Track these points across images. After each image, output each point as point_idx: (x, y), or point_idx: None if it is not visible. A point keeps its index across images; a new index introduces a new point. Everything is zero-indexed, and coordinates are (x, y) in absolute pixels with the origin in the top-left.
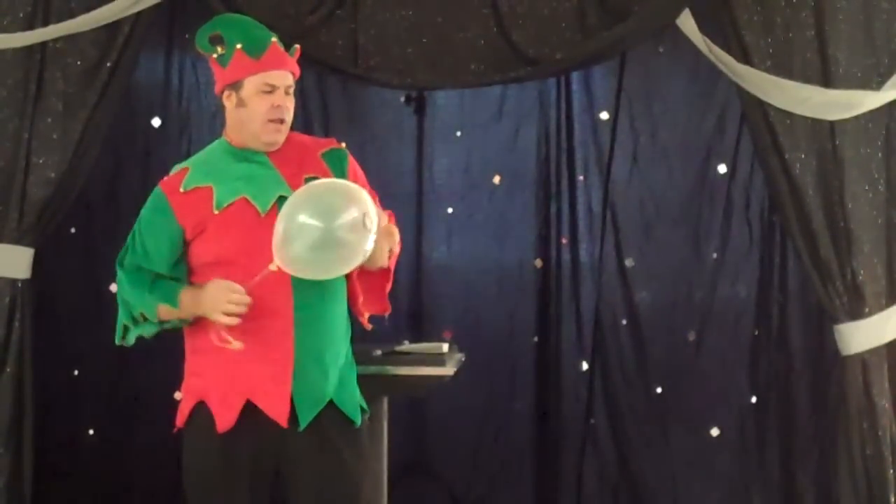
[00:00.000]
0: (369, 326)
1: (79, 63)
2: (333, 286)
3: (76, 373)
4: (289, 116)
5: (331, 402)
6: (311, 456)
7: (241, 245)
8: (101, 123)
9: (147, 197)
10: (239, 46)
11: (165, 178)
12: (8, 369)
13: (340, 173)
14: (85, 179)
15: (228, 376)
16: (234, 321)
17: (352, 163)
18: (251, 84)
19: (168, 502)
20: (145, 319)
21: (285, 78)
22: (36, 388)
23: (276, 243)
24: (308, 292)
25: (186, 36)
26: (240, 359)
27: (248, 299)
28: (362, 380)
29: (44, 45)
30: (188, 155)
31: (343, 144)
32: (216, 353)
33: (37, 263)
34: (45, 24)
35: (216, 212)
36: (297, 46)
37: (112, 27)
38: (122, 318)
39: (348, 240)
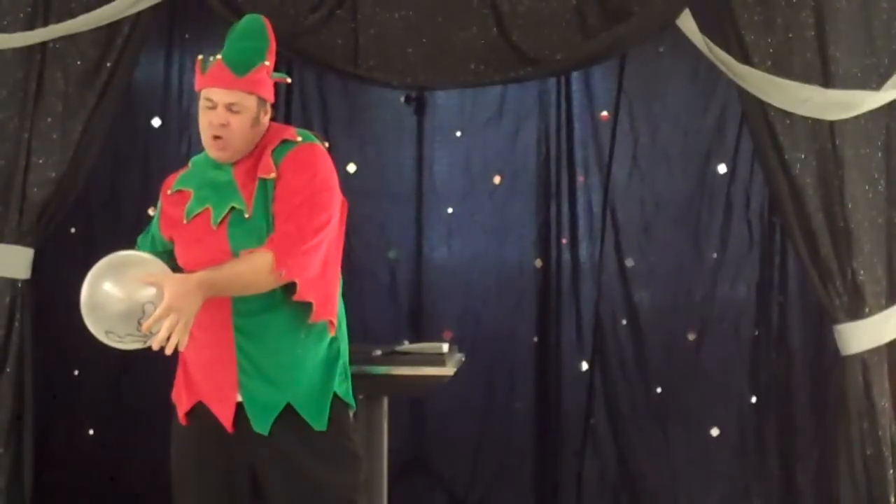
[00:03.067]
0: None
1: (79, 63)
2: (280, 294)
3: (76, 373)
4: (227, 134)
5: (288, 407)
6: (274, 461)
7: (194, 257)
8: (101, 123)
9: (147, 197)
10: (199, 58)
11: (169, 176)
12: (8, 369)
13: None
14: (85, 179)
15: (186, 376)
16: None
17: (289, 159)
18: (201, 98)
19: (167, 502)
20: None
21: (225, 96)
22: (36, 388)
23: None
24: (248, 301)
25: (186, 36)
26: (193, 361)
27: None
28: (362, 380)
29: (44, 45)
30: (188, 155)
31: (296, 137)
32: (185, 352)
33: (37, 263)
34: (45, 24)
35: (185, 221)
36: (263, 64)
37: (112, 27)
38: None
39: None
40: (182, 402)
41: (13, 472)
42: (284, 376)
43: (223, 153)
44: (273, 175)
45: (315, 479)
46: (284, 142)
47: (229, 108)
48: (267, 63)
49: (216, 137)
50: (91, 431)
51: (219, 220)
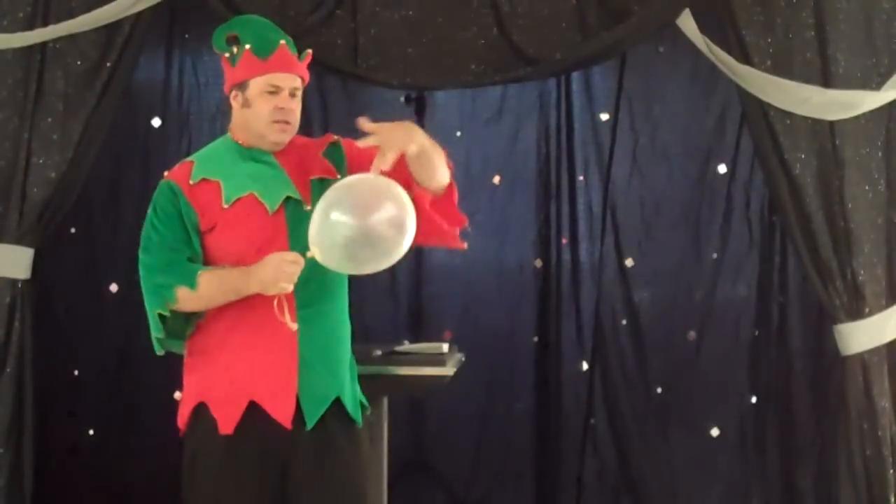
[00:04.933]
0: (465, 245)
1: (79, 63)
2: (336, 283)
3: (76, 373)
4: (293, 118)
5: (336, 402)
6: (315, 456)
7: (251, 242)
8: (101, 123)
9: (147, 197)
10: (248, 47)
11: (171, 171)
12: (8, 369)
13: (341, 165)
14: (85, 179)
15: (230, 377)
16: (289, 289)
17: (348, 148)
18: (256, 85)
19: (168, 503)
20: (168, 315)
21: (291, 80)
22: (36, 388)
23: (311, 236)
24: (310, 291)
25: (186, 36)
26: (243, 359)
27: (300, 269)
28: (362, 380)
29: (44, 45)
30: (188, 155)
31: (336, 137)
32: (217, 353)
33: (37, 263)
34: (45, 24)
35: (226, 206)
36: (309, 51)
37: (112, 27)
38: (154, 309)
39: (384, 236)
40: (229, 408)
41: (13, 472)
42: (339, 368)
43: (286, 136)
44: (339, 177)
45: (350, 477)
46: (333, 144)
47: (292, 92)
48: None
49: (282, 122)
50: (91, 431)
51: (275, 207)
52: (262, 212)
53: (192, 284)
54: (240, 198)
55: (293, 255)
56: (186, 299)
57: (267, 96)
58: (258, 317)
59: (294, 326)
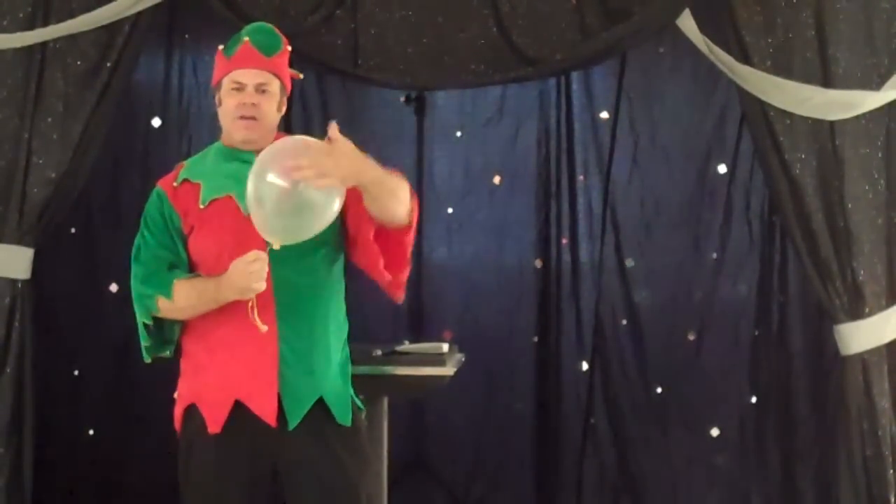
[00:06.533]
0: (401, 298)
1: (79, 63)
2: (320, 284)
3: (76, 373)
4: (260, 114)
5: (320, 402)
6: (306, 456)
7: (225, 244)
8: (101, 123)
9: (147, 197)
10: (220, 48)
11: (162, 178)
12: (8, 369)
13: None
14: (85, 179)
15: (217, 378)
16: (263, 287)
17: None
18: (225, 83)
19: (167, 502)
20: (154, 325)
21: (255, 76)
22: (36, 388)
23: (249, 206)
24: (291, 290)
25: (186, 36)
26: (227, 360)
27: (265, 264)
28: (362, 380)
29: (44, 45)
30: (188, 155)
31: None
32: (205, 356)
33: (37, 263)
34: (45, 24)
35: (202, 207)
36: (285, 48)
37: (112, 27)
38: (140, 318)
39: (314, 199)
40: (216, 408)
41: (13, 472)
42: (322, 367)
43: (252, 133)
44: None
45: (342, 476)
46: None
47: (258, 88)
48: (289, 48)
49: (246, 118)
50: (91, 431)
51: None
52: (238, 214)
53: (168, 294)
54: (217, 199)
55: (252, 254)
56: (167, 309)
57: (233, 93)
58: (239, 317)
59: (264, 328)
